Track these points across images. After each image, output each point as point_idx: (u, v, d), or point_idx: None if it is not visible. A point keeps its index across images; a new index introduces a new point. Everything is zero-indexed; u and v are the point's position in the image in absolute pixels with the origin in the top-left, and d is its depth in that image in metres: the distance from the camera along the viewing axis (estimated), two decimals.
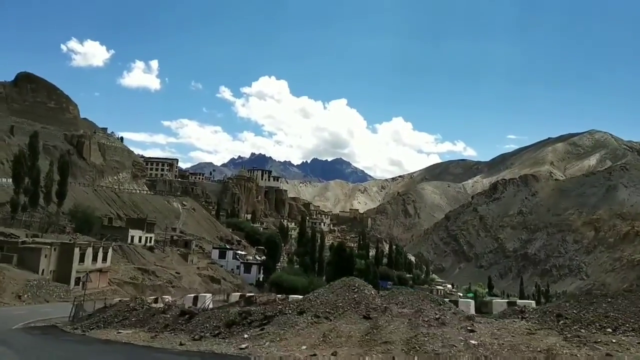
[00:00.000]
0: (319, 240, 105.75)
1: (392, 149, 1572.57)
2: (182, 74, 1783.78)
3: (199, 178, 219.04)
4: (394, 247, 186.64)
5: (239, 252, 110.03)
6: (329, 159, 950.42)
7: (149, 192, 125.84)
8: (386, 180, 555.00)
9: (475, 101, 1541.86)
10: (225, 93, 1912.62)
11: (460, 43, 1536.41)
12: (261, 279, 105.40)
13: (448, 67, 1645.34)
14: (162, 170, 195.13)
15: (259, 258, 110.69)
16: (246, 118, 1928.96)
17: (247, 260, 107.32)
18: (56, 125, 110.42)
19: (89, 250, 55.08)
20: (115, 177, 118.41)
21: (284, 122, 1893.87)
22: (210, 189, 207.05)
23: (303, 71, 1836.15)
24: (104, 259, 58.57)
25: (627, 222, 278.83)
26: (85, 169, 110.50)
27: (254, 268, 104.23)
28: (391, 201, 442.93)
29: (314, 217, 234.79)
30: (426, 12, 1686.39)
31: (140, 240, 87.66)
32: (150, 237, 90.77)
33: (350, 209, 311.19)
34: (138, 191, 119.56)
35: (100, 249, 57.43)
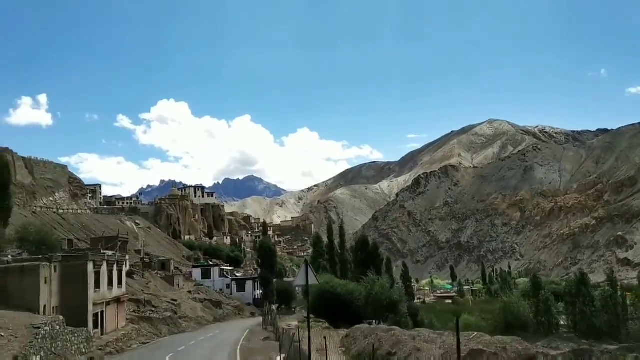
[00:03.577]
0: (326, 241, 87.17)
1: (302, 160, 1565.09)
2: (74, 106, 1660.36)
3: (127, 203, 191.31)
4: None
5: (224, 267, 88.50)
6: (241, 178, 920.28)
7: (97, 211, 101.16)
8: (302, 191, 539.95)
9: (374, 105, 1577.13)
10: (124, 121, 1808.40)
11: (352, 49, 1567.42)
12: (259, 296, 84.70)
13: (343, 74, 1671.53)
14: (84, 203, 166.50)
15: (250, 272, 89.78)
16: (149, 145, 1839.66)
17: (237, 276, 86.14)
18: None
19: (104, 267, 33.37)
20: (51, 199, 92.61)
21: (189, 145, 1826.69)
22: (142, 211, 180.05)
23: (202, 91, 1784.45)
24: (119, 281, 36.82)
25: (549, 200, 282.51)
26: (13, 190, 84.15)
27: (249, 284, 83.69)
28: (313, 210, 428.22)
29: (256, 230, 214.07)
30: (315, 22, 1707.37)
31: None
32: (125, 260, 67.49)
33: (292, 218, 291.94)
34: (81, 211, 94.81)
35: (115, 266, 35.68)
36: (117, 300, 36.37)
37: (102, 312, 32.94)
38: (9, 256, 30.81)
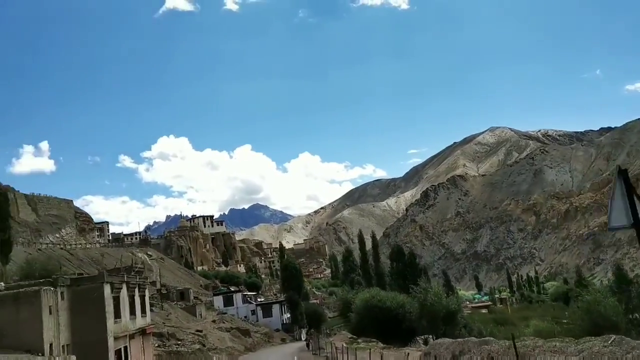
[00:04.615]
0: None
1: (306, 184, 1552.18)
2: (76, 149, 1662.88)
3: (135, 238, 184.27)
4: None
5: (247, 293, 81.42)
6: (246, 207, 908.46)
7: (105, 244, 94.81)
8: (309, 214, 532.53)
9: (372, 124, 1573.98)
10: (126, 161, 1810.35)
11: (344, 71, 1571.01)
12: (287, 320, 77.49)
13: (338, 96, 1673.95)
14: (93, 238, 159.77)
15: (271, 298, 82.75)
16: (152, 182, 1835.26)
17: (261, 301, 79.01)
18: None
19: (124, 292, 26.65)
20: (57, 235, 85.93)
21: (192, 178, 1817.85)
22: (153, 243, 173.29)
23: (201, 125, 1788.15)
24: (143, 308, 30.06)
25: (563, 201, 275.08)
26: (16, 229, 77.70)
27: (276, 308, 76.38)
28: (322, 232, 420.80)
29: (269, 255, 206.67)
30: (305, 48, 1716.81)
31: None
32: (147, 285, 60.95)
33: (304, 240, 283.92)
34: (90, 245, 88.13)
35: (136, 291, 28.96)
36: (142, 332, 29.68)
37: (125, 348, 26.28)
38: (1, 284, 24.14)
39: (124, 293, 26.90)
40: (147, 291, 33.26)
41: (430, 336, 49.45)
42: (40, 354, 19.27)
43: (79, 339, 22.70)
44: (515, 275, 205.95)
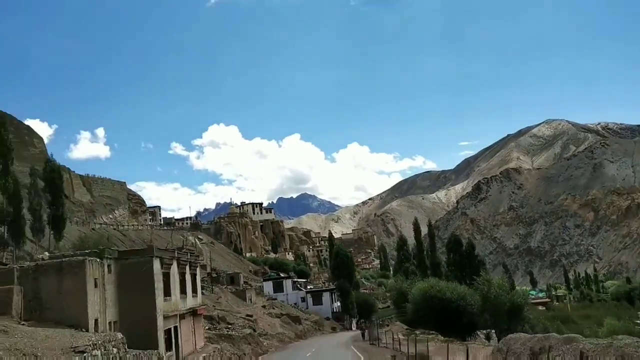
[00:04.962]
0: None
1: (354, 174, 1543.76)
2: (130, 137, 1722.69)
3: (187, 223, 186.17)
4: None
5: (297, 279, 79.65)
6: (294, 196, 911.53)
7: (157, 227, 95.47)
8: (357, 205, 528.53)
9: (423, 115, 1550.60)
10: (177, 148, 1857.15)
11: (396, 63, 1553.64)
12: (337, 309, 75.31)
13: (390, 86, 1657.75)
14: (146, 221, 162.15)
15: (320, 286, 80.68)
16: (203, 169, 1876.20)
17: (310, 288, 77.11)
18: (18, 161, 78.42)
19: (174, 268, 24.93)
20: (110, 216, 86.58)
21: (241, 167, 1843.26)
22: (203, 229, 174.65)
23: (251, 113, 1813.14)
24: (194, 288, 28.34)
25: (624, 197, 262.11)
26: (71, 208, 78.48)
27: (326, 296, 74.23)
28: (370, 223, 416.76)
29: (317, 244, 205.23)
30: (358, 38, 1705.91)
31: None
32: (199, 263, 60.18)
33: (352, 230, 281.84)
34: (142, 227, 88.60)
35: (187, 269, 27.22)
36: (193, 313, 27.96)
37: (175, 328, 24.59)
38: (45, 254, 22.76)
39: (174, 270, 25.15)
40: (198, 270, 31.53)
41: (492, 331, 46.16)
42: (84, 330, 17.62)
43: (127, 316, 21.07)
44: (572, 273, 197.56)
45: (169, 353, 23.00)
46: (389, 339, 42.44)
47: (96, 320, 18.97)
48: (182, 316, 25.82)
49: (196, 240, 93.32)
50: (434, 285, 46.08)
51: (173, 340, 24.18)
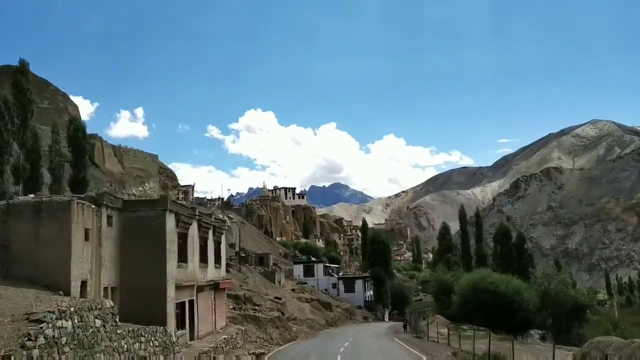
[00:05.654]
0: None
1: (388, 166, 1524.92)
2: (168, 118, 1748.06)
3: (218, 203, 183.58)
4: None
5: (329, 264, 75.17)
6: (327, 185, 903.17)
7: (188, 201, 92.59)
8: (389, 197, 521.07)
9: (462, 109, 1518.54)
10: (214, 131, 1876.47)
11: (438, 55, 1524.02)
12: (370, 298, 70.57)
13: (430, 78, 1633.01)
14: (177, 198, 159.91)
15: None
16: (238, 154, 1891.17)
17: (346, 272, 72.48)
18: (48, 126, 75.79)
19: (194, 230, 20.55)
20: (140, 189, 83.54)
21: (276, 153, 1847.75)
22: (234, 209, 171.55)
23: (287, 100, 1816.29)
24: (217, 257, 23.93)
25: None
26: (101, 178, 75.57)
27: (359, 284, 69.48)
28: (402, 216, 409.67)
29: (349, 233, 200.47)
30: (400, 28, 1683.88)
31: None
32: (225, 229, 56.17)
33: (385, 220, 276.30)
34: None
35: (211, 234, 22.82)
36: (215, 287, 23.61)
37: (191, 302, 20.31)
38: (31, 195, 18.53)
39: (193, 231, 20.83)
40: (224, 238, 26.95)
41: (549, 332, 40.70)
42: (62, 293, 13.36)
43: (129, 282, 16.85)
44: (613, 277, 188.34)
45: (180, 332, 18.76)
46: (432, 332, 37.60)
47: (84, 283, 14.75)
48: (200, 288, 21.53)
49: (226, 218, 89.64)
50: (486, 277, 40.91)
51: (187, 317, 19.93)
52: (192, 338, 21.08)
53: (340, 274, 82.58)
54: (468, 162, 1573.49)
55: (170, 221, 18.59)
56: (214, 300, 24.11)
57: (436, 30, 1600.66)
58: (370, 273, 69.39)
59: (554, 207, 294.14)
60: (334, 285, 70.73)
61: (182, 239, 19.84)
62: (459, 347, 29.10)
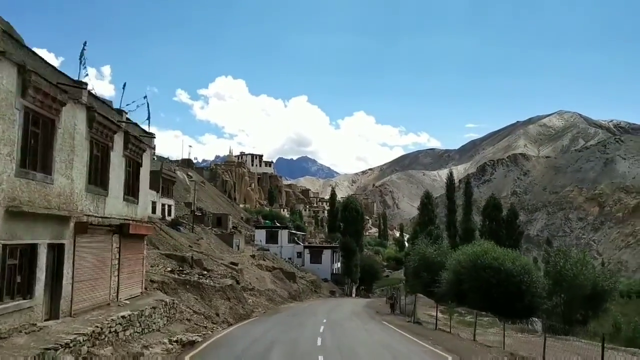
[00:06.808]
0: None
1: (357, 143, 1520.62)
2: (136, 78, 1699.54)
3: (179, 161, 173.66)
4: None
5: (296, 232, 67.58)
6: (294, 158, 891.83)
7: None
8: (356, 174, 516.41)
9: (433, 93, 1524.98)
10: (182, 96, 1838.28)
11: (414, 38, 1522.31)
12: (337, 270, 63.38)
13: (404, 60, 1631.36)
14: None
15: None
16: (206, 120, 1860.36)
17: (311, 242, 65.07)
18: None
19: (78, 122, 12.18)
20: None
21: (245, 122, 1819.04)
22: (195, 169, 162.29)
23: (260, 69, 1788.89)
24: (131, 186, 15.55)
25: (633, 195, 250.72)
26: None
27: (327, 254, 62.18)
28: (368, 194, 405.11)
29: (315, 205, 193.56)
30: (379, 8, 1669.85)
31: (154, 211, 44.48)
32: (170, 206, 47.68)
33: (352, 194, 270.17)
34: None
35: (120, 142, 14.43)
36: (119, 230, 15.23)
37: (56, 250, 11.81)
38: None
39: (78, 125, 12.37)
40: (145, 159, 17.73)
41: (555, 322, 34.01)
42: None
43: None
44: None
45: (14, 303, 10.40)
46: (422, 314, 30.32)
47: None
48: (82, 227, 12.87)
49: (185, 176, 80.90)
50: (489, 252, 33.68)
51: (43, 275, 11.46)
52: (54, 315, 13.16)
53: (306, 243, 75.38)
54: (435, 144, 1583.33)
55: (11, 79, 9.67)
56: (118, 252, 15.54)
57: (414, 13, 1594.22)
58: (341, 243, 62.05)
59: (519, 193, 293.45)
60: (299, 255, 63.29)
61: (43, 127, 11.12)
62: (468, 337, 21.74)
